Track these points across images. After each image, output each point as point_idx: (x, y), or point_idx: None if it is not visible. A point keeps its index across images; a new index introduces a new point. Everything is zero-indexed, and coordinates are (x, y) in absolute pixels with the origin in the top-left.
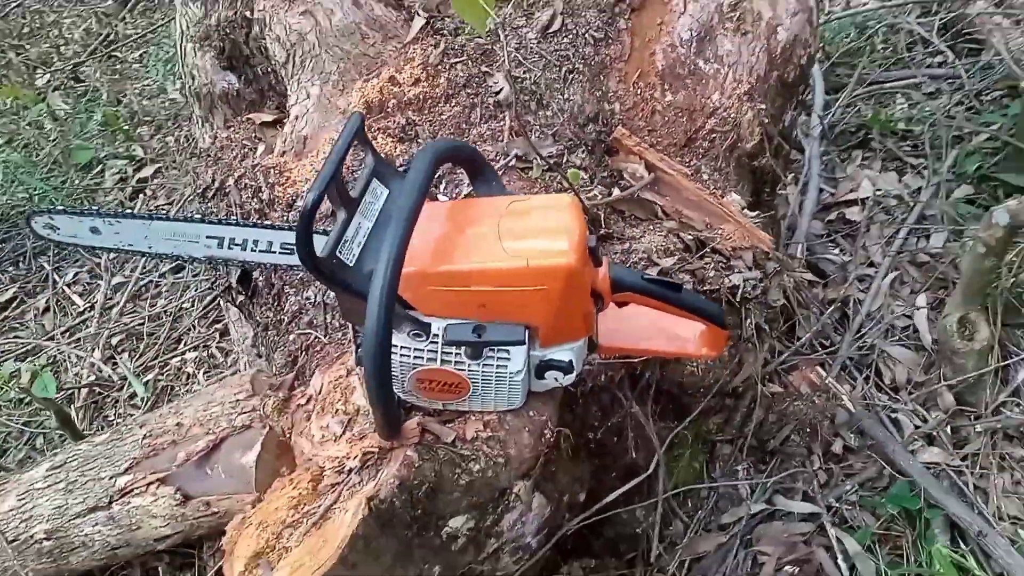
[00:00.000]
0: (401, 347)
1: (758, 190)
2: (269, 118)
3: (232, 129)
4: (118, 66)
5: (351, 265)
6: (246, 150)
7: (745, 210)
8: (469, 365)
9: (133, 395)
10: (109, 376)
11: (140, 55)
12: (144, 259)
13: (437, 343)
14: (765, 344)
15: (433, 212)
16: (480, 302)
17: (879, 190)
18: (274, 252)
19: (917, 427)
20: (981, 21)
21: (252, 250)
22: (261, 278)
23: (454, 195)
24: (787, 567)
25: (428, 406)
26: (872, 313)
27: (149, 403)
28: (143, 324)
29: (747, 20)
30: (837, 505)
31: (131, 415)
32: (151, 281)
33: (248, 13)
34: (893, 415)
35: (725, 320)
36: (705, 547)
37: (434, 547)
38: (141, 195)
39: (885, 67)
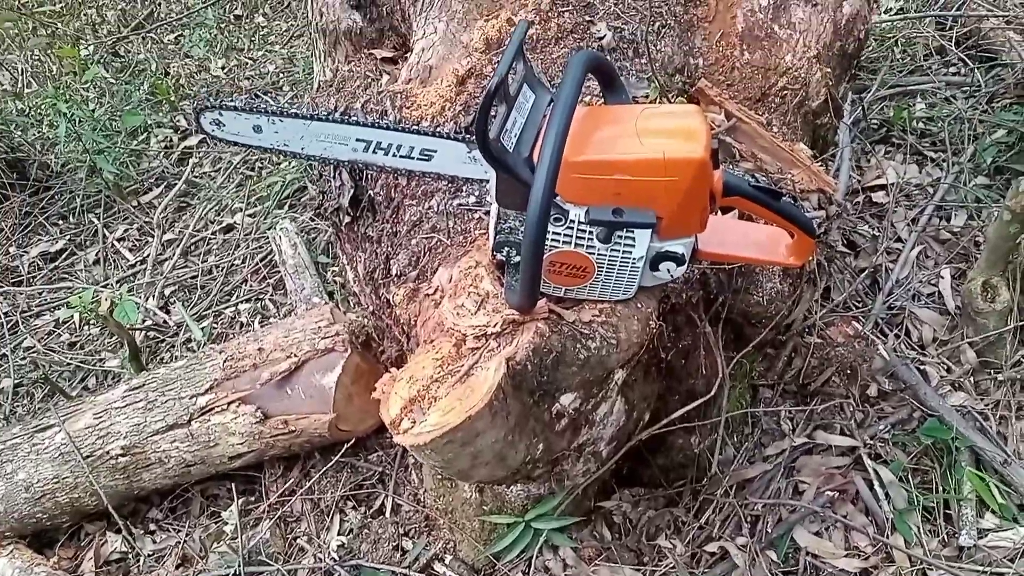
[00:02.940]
0: None
1: (815, 147)
2: (389, 54)
3: (353, 63)
4: (155, 45)
5: (510, 151)
6: (369, 80)
7: (812, 158)
8: (598, 248)
9: (188, 340)
10: (164, 322)
11: (176, 37)
12: (204, 210)
13: (573, 227)
14: (823, 280)
15: (576, 114)
16: (616, 190)
17: (903, 177)
18: (413, 158)
19: (943, 377)
20: (994, 35)
21: (394, 155)
22: (381, 193)
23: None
24: (827, 492)
25: (551, 294)
26: (900, 280)
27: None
28: (196, 277)
29: None
30: (872, 442)
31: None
32: (201, 239)
33: None
34: (921, 367)
35: (814, 229)
36: (751, 473)
37: (543, 422)
38: (188, 160)
39: (904, 73)
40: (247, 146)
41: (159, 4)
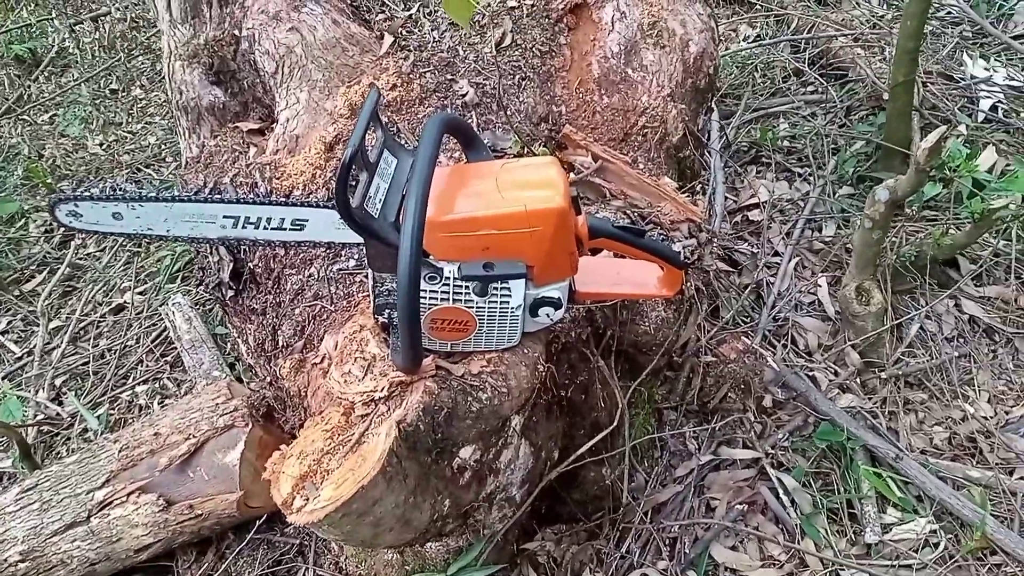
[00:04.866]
0: None
1: (682, 179)
2: (255, 126)
3: (219, 138)
4: (28, 127)
5: (376, 217)
6: (236, 154)
7: (678, 190)
8: (476, 302)
9: (85, 430)
10: (57, 414)
11: (50, 116)
12: (91, 293)
13: (449, 283)
14: (704, 303)
15: (438, 174)
16: (484, 245)
17: (774, 195)
18: (285, 229)
19: (831, 380)
20: (844, 53)
21: (264, 228)
22: (260, 265)
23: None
24: (737, 506)
25: (438, 350)
26: (782, 292)
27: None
28: (87, 363)
29: (664, 36)
30: (772, 451)
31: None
32: (91, 323)
33: (236, 32)
34: (810, 373)
35: (680, 260)
36: (664, 497)
37: (445, 478)
38: (71, 243)
39: (766, 96)
40: (109, 234)
41: (28, 86)
